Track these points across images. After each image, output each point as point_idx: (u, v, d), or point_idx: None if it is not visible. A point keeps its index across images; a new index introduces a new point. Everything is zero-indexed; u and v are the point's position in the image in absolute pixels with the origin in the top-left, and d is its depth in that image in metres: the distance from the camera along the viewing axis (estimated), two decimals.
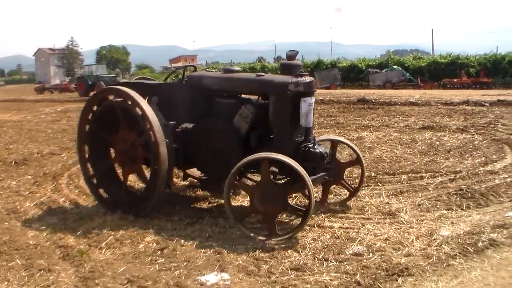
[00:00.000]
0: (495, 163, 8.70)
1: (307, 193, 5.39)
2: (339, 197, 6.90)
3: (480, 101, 19.57)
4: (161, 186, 6.09)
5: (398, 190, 7.16)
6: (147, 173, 6.43)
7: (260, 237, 5.32)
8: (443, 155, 9.58)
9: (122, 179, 6.72)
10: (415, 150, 10.17)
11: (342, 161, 7.17)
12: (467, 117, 15.38)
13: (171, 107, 6.43)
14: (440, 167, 8.46)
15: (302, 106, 5.73)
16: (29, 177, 8.89)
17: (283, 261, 4.79)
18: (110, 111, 6.39)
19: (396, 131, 13.13)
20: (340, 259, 4.79)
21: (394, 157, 9.39)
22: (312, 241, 5.30)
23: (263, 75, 6.31)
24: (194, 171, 7.04)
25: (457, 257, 4.71)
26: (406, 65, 41.52)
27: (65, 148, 11.94)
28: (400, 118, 15.83)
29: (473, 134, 11.98)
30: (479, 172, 8.02)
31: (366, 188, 7.25)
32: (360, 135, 12.39)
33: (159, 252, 5.12)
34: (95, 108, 6.64)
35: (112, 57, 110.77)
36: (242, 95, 6.48)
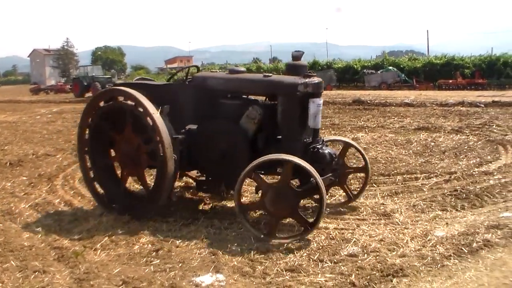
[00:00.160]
0: (489, 164, 8.74)
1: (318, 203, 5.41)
2: (334, 198, 6.91)
3: (475, 102, 19.67)
4: (164, 198, 6.05)
5: (393, 191, 7.18)
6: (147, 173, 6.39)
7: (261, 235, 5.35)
8: (438, 156, 9.61)
9: (121, 179, 6.66)
10: (410, 151, 10.20)
11: (349, 165, 7.13)
12: (462, 118, 15.45)
13: (175, 108, 6.28)
14: (435, 168, 8.49)
15: (311, 107, 5.72)
16: (24, 178, 8.86)
17: (278, 262, 4.79)
18: (118, 111, 6.28)
19: (391, 132, 13.18)
20: (335, 260, 4.79)
21: (389, 158, 9.42)
22: (307, 242, 5.30)
23: (271, 76, 6.22)
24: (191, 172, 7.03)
25: (452, 258, 4.72)
26: (401, 66, 41.65)
27: (60, 149, 11.92)
28: (396, 119, 15.89)
29: (468, 135, 12.04)
30: (474, 173, 8.06)
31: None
32: (356, 136, 12.42)
33: (154, 253, 5.11)
34: (102, 103, 6.51)
35: (108, 58, 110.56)
36: (246, 96, 6.43)
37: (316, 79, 5.84)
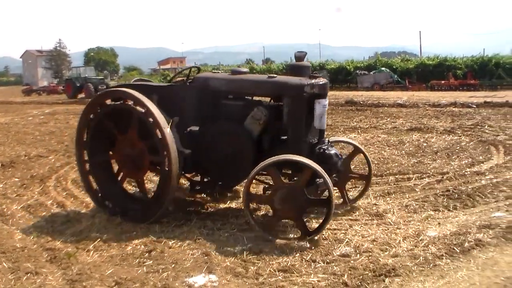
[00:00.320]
0: (481, 164, 8.79)
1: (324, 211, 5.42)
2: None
3: (467, 103, 19.76)
4: (164, 210, 6.02)
5: (386, 191, 7.21)
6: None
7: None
8: (430, 156, 9.66)
9: (118, 178, 6.63)
10: (403, 151, 10.24)
11: (352, 169, 7.10)
12: (454, 118, 15.52)
13: (177, 109, 6.19)
14: (427, 169, 8.53)
15: (317, 107, 5.73)
16: (16, 179, 8.82)
17: (270, 262, 4.80)
18: (125, 112, 6.18)
19: (384, 132, 13.22)
20: (328, 260, 4.80)
21: (382, 159, 9.45)
22: (300, 242, 5.30)
23: (275, 77, 6.17)
24: None
25: (444, 258, 4.75)
26: (394, 67, 41.66)
27: (53, 150, 11.88)
28: (388, 119, 15.94)
29: (460, 136, 12.10)
30: (466, 173, 8.10)
31: (353, 189, 7.28)
32: (348, 137, 12.42)
33: (146, 254, 5.11)
34: (109, 101, 6.44)
35: (100, 59, 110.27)
36: (249, 97, 6.40)
37: (322, 80, 5.86)
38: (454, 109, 18.40)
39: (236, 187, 6.98)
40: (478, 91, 30.34)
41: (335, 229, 5.73)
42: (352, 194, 6.95)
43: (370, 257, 4.83)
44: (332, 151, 5.85)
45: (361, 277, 4.40)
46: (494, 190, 7.01)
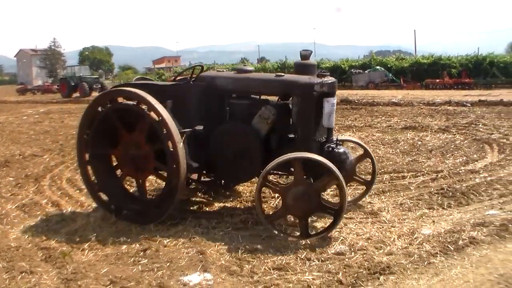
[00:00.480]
0: (476, 163, 8.82)
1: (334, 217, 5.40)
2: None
3: (462, 102, 19.84)
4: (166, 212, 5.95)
5: (380, 189, 7.21)
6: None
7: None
8: (425, 155, 9.69)
9: (117, 175, 6.57)
10: (398, 150, 10.27)
11: (357, 172, 7.02)
12: (449, 117, 15.58)
13: (182, 108, 6.10)
14: (422, 167, 8.55)
15: (325, 106, 5.72)
16: (11, 179, 8.80)
17: (265, 261, 4.81)
18: (134, 113, 5.99)
19: (378, 131, 13.25)
20: (323, 258, 4.81)
21: (377, 157, 9.45)
22: (294, 241, 5.31)
23: (283, 75, 6.15)
24: None
25: (438, 255, 4.77)
26: (389, 65, 41.73)
27: (48, 149, 11.86)
28: (383, 118, 15.98)
29: (455, 134, 12.15)
30: (460, 171, 8.13)
31: (348, 187, 7.27)
32: (343, 136, 12.43)
33: (142, 253, 5.10)
34: (119, 99, 6.27)
35: (95, 58, 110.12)
36: (256, 96, 6.38)
37: (330, 79, 5.84)
38: (448, 107, 18.47)
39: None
40: (472, 90, 30.44)
41: None
42: (351, 194, 6.93)
43: (364, 255, 4.85)
44: (341, 149, 5.85)
45: (355, 275, 4.41)
46: (488, 188, 7.04)
